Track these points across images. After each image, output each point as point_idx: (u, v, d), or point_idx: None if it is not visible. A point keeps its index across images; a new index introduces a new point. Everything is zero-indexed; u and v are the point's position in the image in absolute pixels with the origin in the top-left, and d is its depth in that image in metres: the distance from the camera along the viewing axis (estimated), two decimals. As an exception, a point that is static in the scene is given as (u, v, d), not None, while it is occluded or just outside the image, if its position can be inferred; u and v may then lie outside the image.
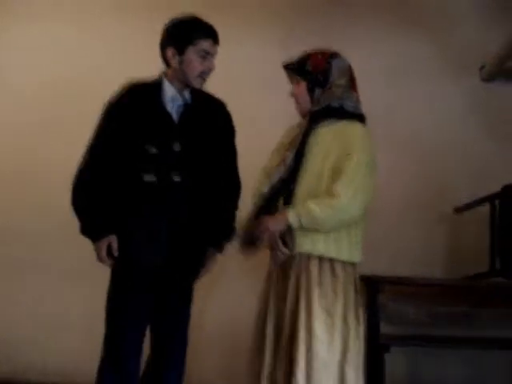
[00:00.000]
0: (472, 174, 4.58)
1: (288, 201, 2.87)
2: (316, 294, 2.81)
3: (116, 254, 2.96)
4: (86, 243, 3.09)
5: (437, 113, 4.70)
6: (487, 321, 4.04)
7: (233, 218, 3.16)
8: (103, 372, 3.03)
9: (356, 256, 2.89)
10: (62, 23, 4.87)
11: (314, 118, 2.94)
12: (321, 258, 2.84)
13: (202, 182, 3.04)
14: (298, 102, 3.00)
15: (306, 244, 2.83)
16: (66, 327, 4.62)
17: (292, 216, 2.79)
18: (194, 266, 3.10)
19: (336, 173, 2.81)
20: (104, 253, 2.96)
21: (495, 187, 4.18)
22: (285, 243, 2.85)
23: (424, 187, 4.58)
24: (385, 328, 4.12)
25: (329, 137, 2.89)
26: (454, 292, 4.21)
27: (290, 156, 2.92)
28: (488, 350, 4.29)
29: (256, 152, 3.96)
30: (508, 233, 4.05)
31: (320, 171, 2.85)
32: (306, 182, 2.87)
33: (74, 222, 3.06)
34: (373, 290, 3.96)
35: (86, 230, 3.01)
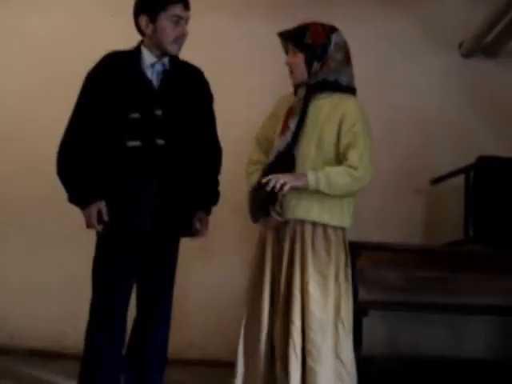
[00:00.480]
0: (451, 147, 4.70)
1: (288, 166, 2.99)
2: (310, 256, 2.97)
3: (106, 218, 3.03)
4: (72, 209, 3.16)
5: (417, 88, 4.80)
6: (462, 285, 4.18)
7: (217, 181, 3.30)
8: (91, 333, 3.13)
9: (347, 221, 3.07)
10: (59, 13, 4.91)
11: (311, 90, 3.04)
12: (314, 223, 3.00)
13: (185, 146, 3.12)
14: (293, 72, 3.08)
15: (300, 211, 2.99)
16: (53, 293, 4.68)
17: (311, 176, 2.91)
18: (180, 228, 3.20)
19: (344, 147, 2.96)
20: (94, 218, 3.02)
21: (471, 160, 4.29)
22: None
23: (404, 160, 4.69)
24: (363, 293, 4.25)
25: (325, 108, 3.02)
26: (430, 258, 4.36)
27: (293, 123, 3.01)
28: (464, 315, 4.45)
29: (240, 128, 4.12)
30: (481, 202, 4.18)
31: (319, 140, 3.00)
32: (305, 149, 3.00)
33: (60, 189, 3.12)
34: (352, 256, 4.08)
35: (74, 198, 3.08)
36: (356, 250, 4.10)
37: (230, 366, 3.19)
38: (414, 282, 4.15)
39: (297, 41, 3.04)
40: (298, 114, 3.03)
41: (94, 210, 3.03)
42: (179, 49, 3.14)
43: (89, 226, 3.08)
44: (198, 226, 3.24)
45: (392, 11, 4.83)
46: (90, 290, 3.17)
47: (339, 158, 3.01)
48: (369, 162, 2.98)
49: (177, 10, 3.06)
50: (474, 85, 4.83)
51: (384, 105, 4.72)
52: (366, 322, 4.14)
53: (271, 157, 3.06)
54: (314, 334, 2.93)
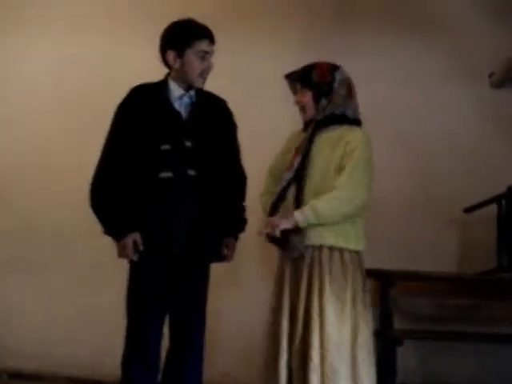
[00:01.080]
0: (483, 177, 4.69)
1: (298, 201, 3.12)
2: (327, 280, 3.07)
3: (142, 248, 3.08)
4: (109, 240, 3.21)
5: (448, 118, 4.81)
6: (495, 314, 4.18)
7: (243, 209, 3.39)
8: (127, 361, 3.18)
9: (361, 245, 3.17)
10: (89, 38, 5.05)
11: (319, 125, 3.20)
12: (331, 248, 3.10)
13: (213, 175, 3.19)
14: (304, 111, 3.25)
15: (316, 237, 3.10)
16: (93, 322, 4.76)
17: (298, 215, 3.04)
18: (210, 254, 3.27)
19: (338, 171, 3.09)
20: (130, 249, 3.07)
21: (502, 189, 4.35)
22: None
23: (436, 189, 4.72)
24: (397, 322, 4.30)
25: (332, 141, 3.16)
26: (463, 286, 4.38)
27: (298, 161, 3.17)
28: (497, 344, 4.43)
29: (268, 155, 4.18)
30: (514, 230, 4.20)
31: (325, 172, 3.13)
32: (312, 183, 3.13)
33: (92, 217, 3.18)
34: (385, 285, 4.15)
35: (109, 231, 3.13)
36: (390, 279, 4.16)
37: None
38: (447, 311, 4.17)
39: (304, 80, 3.22)
40: (302, 151, 3.18)
41: (129, 241, 3.08)
42: (204, 82, 3.24)
43: (123, 256, 3.13)
44: (225, 251, 3.31)
45: (421, 41, 4.87)
46: (126, 319, 3.22)
47: None
48: (359, 183, 3.07)
49: (203, 45, 3.16)
50: (505, 115, 4.83)
51: (416, 136, 4.76)
52: (399, 350, 4.20)
53: (277, 191, 3.22)
54: (331, 357, 3.00)
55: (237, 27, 4.79)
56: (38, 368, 4.78)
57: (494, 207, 4.38)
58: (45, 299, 4.87)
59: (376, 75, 4.75)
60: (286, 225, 3.05)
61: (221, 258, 3.31)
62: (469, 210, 4.55)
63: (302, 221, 3.04)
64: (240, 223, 3.38)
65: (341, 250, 3.12)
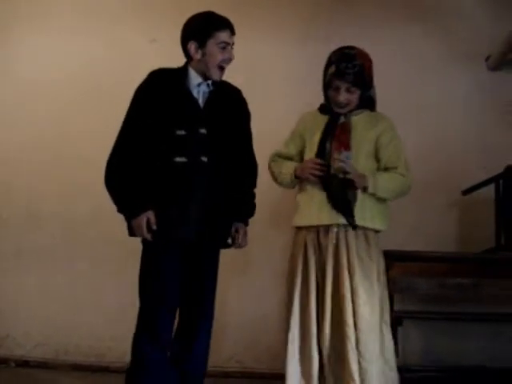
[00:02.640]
0: (481, 158, 4.75)
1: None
2: (356, 261, 3.12)
3: (154, 227, 3.12)
4: (118, 230, 3.31)
5: (445, 101, 4.87)
6: (495, 292, 4.21)
7: (254, 195, 3.44)
8: (139, 341, 3.21)
9: (385, 224, 3.26)
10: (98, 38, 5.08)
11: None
12: (355, 228, 3.14)
13: (226, 162, 3.25)
14: (348, 106, 3.25)
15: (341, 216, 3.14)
16: (98, 309, 4.82)
17: (371, 183, 3.14)
18: (221, 239, 3.33)
19: (387, 161, 3.22)
20: (144, 227, 3.11)
21: (500, 169, 4.37)
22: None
23: (435, 172, 4.75)
24: (397, 302, 4.29)
25: (361, 123, 3.24)
26: (462, 266, 4.41)
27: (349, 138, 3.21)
28: (498, 323, 4.50)
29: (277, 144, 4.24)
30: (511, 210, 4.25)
31: (359, 152, 3.20)
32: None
33: (107, 208, 3.28)
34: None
35: (123, 208, 3.17)
36: (389, 260, 4.18)
37: (269, 378, 3.25)
38: (446, 291, 4.18)
39: (357, 81, 3.20)
40: (347, 131, 3.22)
41: (143, 219, 3.12)
42: (221, 75, 3.29)
43: (137, 234, 3.17)
44: (237, 236, 3.36)
45: (416, 28, 4.91)
46: (135, 304, 3.25)
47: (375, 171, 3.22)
48: (410, 172, 3.27)
49: (224, 36, 3.22)
50: (502, 96, 4.87)
51: (415, 119, 4.80)
52: (399, 331, 4.23)
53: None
54: (366, 336, 3.06)
55: (240, 18, 4.81)
56: (44, 356, 4.85)
57: (492, 188, 4.42)
58: (50, 288, 4.92)
59: (375, 60, 4.78)
60: (359, 180, 3.12)
61: (232, 244, 3.36)
62: (467, 191, 4.59)
63: (372, 187, 3.13)
64: (250, 208, 3.43)
65: (365, 230, 3.17)
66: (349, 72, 3.17)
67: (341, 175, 3.14)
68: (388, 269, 4.16)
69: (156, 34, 4.90)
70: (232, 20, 3.27)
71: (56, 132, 5.02)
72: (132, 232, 3.21)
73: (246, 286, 4.78)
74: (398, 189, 3.23)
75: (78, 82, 5.00)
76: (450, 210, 4.77)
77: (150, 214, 3.14)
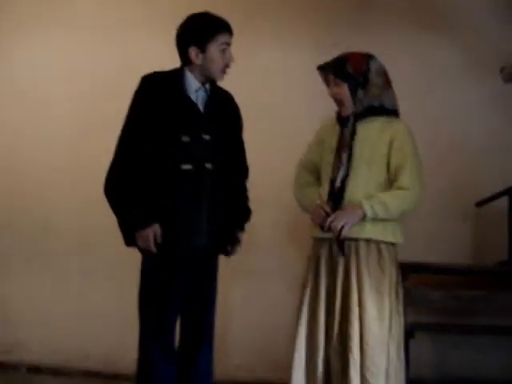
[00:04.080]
0: (495, 170, 4.74)
1: (340, 194, 3.11)
2: (365, 273, 3.06)
3: (160, 241, 3.06)
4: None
5: (460, 113, 4.85)
6: (509, 305, 4.20)
7: (248, 198, 3.39)
8: (151, 357, 3.16)
9: (398, 237, 3.16)
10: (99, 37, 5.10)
11: (358, 118, 3.14)
12: (368, 240, 3.08)
13: (226, 169, 3.21)
14: (341, 103, 3.18)
15: (353, 230, 3.06)
16: (108, 316, 4.83)
17: (368, 208, 3.02)
18: (225, 245, 3.28)
19: (394, 168, 3.08)
20: (152, 241, 3.04)
21: (514, 182, 4.38)
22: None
23: (450, 184, 4.75)
24: (410, 314, 4.23)
25: (373, 132, 3.12)
26: (476, 278, 4.40)
27: (345, 157, 3.12)
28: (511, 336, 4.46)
29: (289, 149, 4.23)
30: (526, 223, 4.23)
31: (369, 162, 3.10)
32: (356, 175, 3.09)
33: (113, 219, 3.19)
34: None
35: (128, 220, 3.09)
36: (403, 271, 4.16)
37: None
38: (460, 303, 4.18)
39: (339, 71, 3.13)
40: (347, 146, 3.13)
41: (150, 232, 3.06)
42: (224, 76, 3.22)
43: (139, 246, 3.10)
44: (235, 244, 3.31)
45: (429, 38, 4.90)
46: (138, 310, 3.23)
47: (388, 181, 3.12)
48: (420, 181, 3.10)
49: (225, 38, 3.14)
50: (516, 109, 4.87)
51: (428, 130, 4.75)
52: (413, 343, 4.22)
53: (327, 187, 3.16)
54: (373, 351, 3.01)
55: (253, 26, 4.84)
56: (55, 363, 4.85)
57: (505, 200, 4.41)
58: (61, 295, 4.93)
59: (390, 70, 4.78)
60: (354, 220, 3.03)
61: (227, 251, 3.31)
62: (481, 203, 4.58)
63: (371, 215, 3.02)
64: (247, 213, 3.38)
65: (377, 243, 3.10)
66: (328, 62, 3.16)
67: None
68: (401, 280, 4.19)
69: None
70: (244, 27, 3.26)
71: (69, 142, 5.03)
72: (129, 241, 3.14)
73: (256, 295, 4.77)
74: (401, 207, 3.06)
75: (92, 93, 5.01)
76: (464, 221, 4.76)
77: (157, 228, 3.08)
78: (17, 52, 5.19)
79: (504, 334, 4.45)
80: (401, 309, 3.15)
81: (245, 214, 3.37)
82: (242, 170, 3.38)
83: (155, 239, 3.07)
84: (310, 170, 3.35)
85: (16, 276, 5.01)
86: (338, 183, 3.12)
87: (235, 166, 3.29)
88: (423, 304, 4.34)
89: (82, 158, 5.00)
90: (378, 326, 3.03)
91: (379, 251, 3.10)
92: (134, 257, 3.27)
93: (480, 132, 4.84)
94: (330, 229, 3.07)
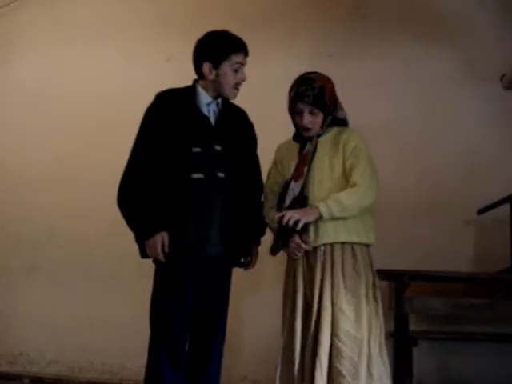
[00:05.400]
0: (496, 178, 4.73)
1: (303, 205, 3.15)
2: (340, 276, 3.11)
3: (167, 249, 3.09)
4: (131, 246, 3.23)
5: (461, 120, 4.87)
6: (510, 313, 4.20)
7: (262, 214, 3.40)
8: (160, 368, 3.15)
9: (372, 237, 3.22)
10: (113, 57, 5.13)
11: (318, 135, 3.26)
12: (342, 244, 3.14)
13: (240, 179, 3.25)
14: (312, 129, 3.24)
15: (329, 235, 3.13)
16: (112, 326, 4.84)
17: (323, 208, 3.08)
18: (238, 257, 3.32)
19: (348, 168, 3.16)
20: (159, 248, 3.08)
21: (515, 190, 4.38)
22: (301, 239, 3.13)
23: (451, 192, 4.75)
24: (412, 323, 4.30)
25: (329, 141, 3.23)
26: (477, 286, 4.41)
27: (306, 169, 3.19)
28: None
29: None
30: (527, 230, 4.24)
31: (328, 172, 3.18)
32: (318, 183, 3.18)
33: (119, 227, 3.25)
34: (400, 285, 4.17)
35: (137, 228, 3.13)
36: (404, 280, 4.18)
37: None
38: (461, 311, 4.18)
39: (318, 104, 3.20)
40: (308, 161, 3.21)
41: (159, 239, 3.10)
42: (236, 94, 3.30)
43: (149, 255, 3.14)
44: (251, 257, 3.35)
45: (432, 44, 4.92)
46: (148, 321, 3.22)
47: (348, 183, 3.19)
48: (371, 178, 3.16)
49: (239, 58, 3.22)
50: (517, 116, 4.87)
51: (428, 138, 4.82)
52: (415, 351, 4.23)
53: (288, 201, 3.20)
54: (352, 352, 3.03)
55: (253, 36, 4.83)
56: (58, 373, 4.87)
57: (507, 207, 4.41)
58: (64, 306, 4.94)
59: (388, 79, 4.81)
60: (308, 218, 3.08)
61: (243, 263, 3.35)
62: (482, 211, 4.58)
63: (326, 213, 3.08)
64: (262, 227, 3.41)
65: (352, 245, 3.16)
66: (308, 94, 3.20)
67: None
68: (403, 289, 4.20)
69: (172, 52, 4.92)
70: (245, 37, 3.26)
71: (72, 152, 5.06)
72: (144, 253, 3.19)
73: (259, 304, 4.77)
74: (357, 203, 3.11)
75: (95, 101, 5.04)
76: (466, 229, 4.76)
77: (164, 235, 3.11)
78: (20, 58, 5.24)
79: (505, 342, 4.44)
80: (380, 310, 3.18)
81: (260, 227, 3.39)
82: (257, 185, 3.41)
83: (163, 248, 3.10)
84: (275, 191, 3.38)
85: (19, 286, 5.01)
86: (296, 193, 3.19)
87: (249, 178, 3.33)
88: (424, 312, 4.33)
89: (84, 165, 5.03)
90: (355, 328, 3.06)
91: (354, 255, 3.15)
92: (137, 266, 3.30)
93: (480, 139, 4.84)
94: (286, 225, 3.10)
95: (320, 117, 3.22)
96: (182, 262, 3.15)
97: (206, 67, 3.21)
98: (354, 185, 3.13)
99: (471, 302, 4.12)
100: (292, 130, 4.63)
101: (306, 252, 3.18)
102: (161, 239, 3.10)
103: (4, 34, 5.24)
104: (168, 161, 3.16)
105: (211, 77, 3.22)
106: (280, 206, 3.22)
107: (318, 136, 3.25)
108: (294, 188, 3.20)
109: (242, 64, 3.24)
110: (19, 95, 5.17)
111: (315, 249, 3.16)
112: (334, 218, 3.11)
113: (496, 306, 4.12)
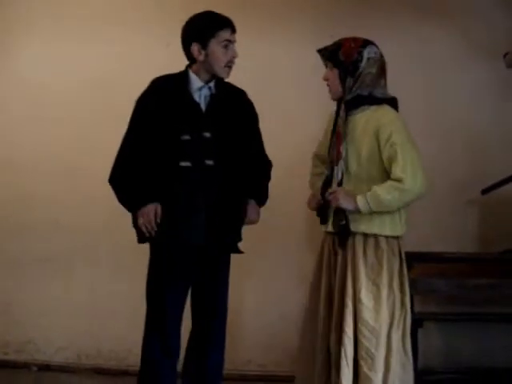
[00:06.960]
0: (501, 157, 4.71)
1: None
2: (361, 265, 3.05)
3: (159, 220, 3.14)
4: (133, 236, 3.30)
5: (464, 99, 4.82)
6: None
7: (267, 185, 3.41)
8: (147, 346, 3.28)
9: (399, 230, 3.12)
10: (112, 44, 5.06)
11: (348, 106, 3.11)
12: (365, 234, 3.07)
13: (232, 165, 3.24)
14: (330, 88, 3.19)
15: (351, 224, 3.07)
16: (117, 313, 4.85)
17: (361, 202, 3.01)
18: (231, 242, 3.32)
19: (387, 161, 3.04)
20: (153, 214, 3.13)
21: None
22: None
23: (456, 172, 4.73)
24: (417, 304, 4.31)
25: (360, 124, 3.09)
26: (482, 266, 4.38)
27: (344, 150, 3.10)
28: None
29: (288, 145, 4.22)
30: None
31: (357, 157, 3.08)
32: (348, 167, 3.10)
33: (123, 217, 3.30)
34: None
35: (130, 199, 3.19)
36: (408, 261, 4.16)
37: (289, 381, 3.27)
38: (467, 291, 4.17)
39: (332, 57, 3.14)
40: (344, 138, 3.11)
41: (152, 207, 3.14)
42: (229, 73, 3.29)
43: (144, 223, 3.15)
44: (247, 209, 3.34)
45: (436, 22, 4.86)
46: (146, 304, 3.31)
47: (384, 173, 3.08)
48: (415, 169, 3.01)
49: (226, 34, 3.22)
50: (520, 95, 4.82)
51: (432, 118, 4.78)
52: (420, 332, 4.21)
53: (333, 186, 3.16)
54: (368, 342, 3.00)
55: (249, 17, 4.81)
56: (66, 360, 4.90)
57: (511, 187, 4.38)
58: (71, 293, 4.95)
59: (389, 61, 4.75)
60: (347, 206, 3.03)
61: (243, 220, 3.34)
62: (486, 190, 4.54)
63: (364, 208, 3.00)
64: (263, 192, 3.40)
65: (375, 236, 3.08)
66: (326, 47, 3.17)
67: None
68: (407, 269, 4.18)
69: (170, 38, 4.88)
70: (241, 21, 3.27)
71: (75, 142, 5.03)
72: (141, 238, 3.23)
73: (264, 288, 4.77)
74: (397, 198, 2.99)
75: (95, 90, 5.00)
76: (470, 209, 4.74)
77: (158, 206, 3.15)
78: (19, 47, 5.20)
79: (511, 322, 4.42)
80: (407, 301, 3.11)
81: (261, 192, 3.39)
82: (259, 163, 3.39)
83: (156, 218, 3.14)
84: (322, 161, 3.36)
85: (25, 276, 5.02)
86: (339, 178, 3.12)
87: (247, 162, 3.32)
88: (430, 293, 4.32)
89: (88, 155, 5.00)
90: (373, 318, 3.02)
91: (377, 243, 3.08)
92: (142, 254, 3.31)
93: (484, 119, 4.81)
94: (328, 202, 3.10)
95: (335, 73, 3.12)
96: (169, 247, 3.19)
97: (195, 48, 3.21)
98: (395, 179, 2.99)
99: (475, 282, 4.10)
100: (291, 113, 4.74)
101: (333, 238, 3.15)
102: (154, 207, 3.13)
103: (3, 25, 5.21)
104: (158, 149, 3.18)
105: (201, 58, 3.22)
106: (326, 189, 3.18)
107: (349, 109, 3.10)
108: (338, 174, 3.12)
109: (231, 41, 3.23)
110: (18, 85, 5.14)
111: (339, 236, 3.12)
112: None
113: (501, 285, 4.11)
